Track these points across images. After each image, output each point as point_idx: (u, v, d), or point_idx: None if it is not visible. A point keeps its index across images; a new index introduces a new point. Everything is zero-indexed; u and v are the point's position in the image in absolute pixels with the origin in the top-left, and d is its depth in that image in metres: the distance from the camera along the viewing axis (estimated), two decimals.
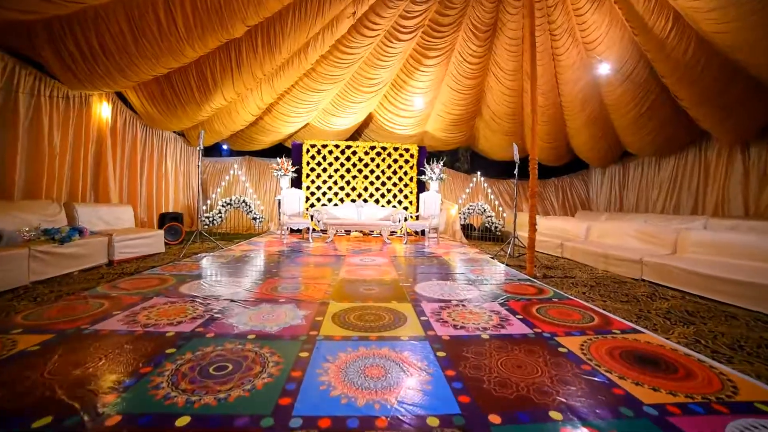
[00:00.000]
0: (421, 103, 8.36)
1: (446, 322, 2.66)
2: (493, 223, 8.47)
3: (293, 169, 8.52)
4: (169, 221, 6.68)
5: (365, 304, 3.06)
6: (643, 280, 4.42)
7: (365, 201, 8.71)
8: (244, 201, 8.42)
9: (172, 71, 5.66)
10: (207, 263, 4.76)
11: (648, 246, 5.09)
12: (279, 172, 8.38)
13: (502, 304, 3.15)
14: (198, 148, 5.94)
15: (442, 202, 8.26)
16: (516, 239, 6.05)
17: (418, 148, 9.01)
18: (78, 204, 4.82)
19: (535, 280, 4.25)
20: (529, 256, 4.64)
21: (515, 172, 6.00)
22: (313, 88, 7.65)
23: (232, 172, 9.14)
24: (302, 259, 5.22)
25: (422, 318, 2.73)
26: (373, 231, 8.14)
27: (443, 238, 8.22)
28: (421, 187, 9.04)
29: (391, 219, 7.52)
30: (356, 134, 9.98)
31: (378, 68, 7.45)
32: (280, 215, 7.81)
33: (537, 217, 8.97)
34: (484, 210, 8.62)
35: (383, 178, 8.87)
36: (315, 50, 6.50)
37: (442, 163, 8.78)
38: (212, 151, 10.25)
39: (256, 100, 7.25)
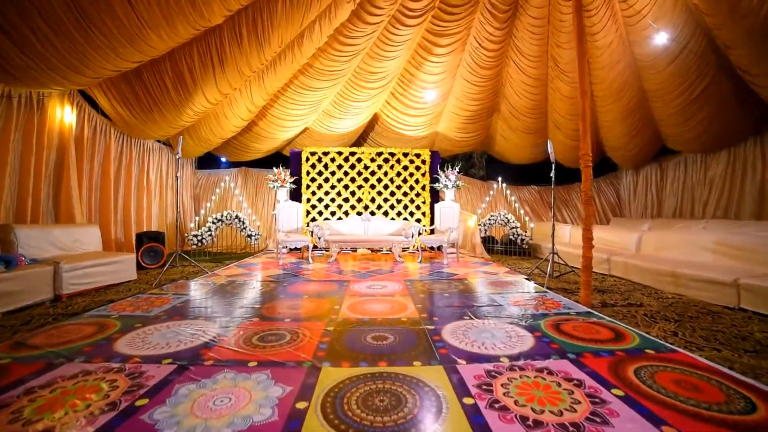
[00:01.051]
0: (433, 96, 7.43)
1: (506, 409, 1.65)
2: (518, 235, 7.42)
3: (291, 180, 7.62)
4: (147, 242, 5.78)
5: (375, 369, 2.07)
6: (742, 309, 3.35)
7: (372, 214, 7.75)
8: (237, 217, 7.52)
9: (143, 67, 4.82)
10: (178, 296, 3.81)
11: (735, 263, 4.00)
12: (275, 184, 7.48)
13: (577, 363, 2.12)
14: (177, 156, 5.07)
15: (460, 213, 7.27)
16: (555, 255, 5.00)
17: (430, 153, 8.06)
18: (19, 226, 3.93)
19: (600, 315, 3.20)
20: (584, 280, 3.60)
21: (552, 174, 5.02)
22: (310, 87, 6.79)
23: (223, 184, 8.27)
24: (297, 287, 4.25)
25: (465, 400, 1.72)
26: (382, 248, 7.15)
27: (462, 254, 7.20)
28: (435, 196, 8.06)
29: (402, 234, 6.53)
30: (361, 139, 9.09)
31: (383, 60, 6.57)
32: (277, 232, 6.87)
33: (566, 227, 7.94)
34: (508, 220, 7.59)
35: (392, 188, 7.92)
36: (311, 42, 5.64)
37: (457, 168, 7.80)
38: (209, 162, 9.43)
39: (245, 102, 6.40)
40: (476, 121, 8.38)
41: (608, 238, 6.02)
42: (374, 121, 8.67)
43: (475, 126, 8.58)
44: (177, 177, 5.17)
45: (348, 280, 4.72)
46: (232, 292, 3.97)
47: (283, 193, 7.64)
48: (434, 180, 7.97)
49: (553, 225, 5.07)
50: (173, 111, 5.60)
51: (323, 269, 5.57)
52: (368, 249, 7.56)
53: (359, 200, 7.89)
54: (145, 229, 6.75)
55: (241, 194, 9.18)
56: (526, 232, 7.39)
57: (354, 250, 7.59)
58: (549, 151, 4.94)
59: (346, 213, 7.82)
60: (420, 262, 6.32)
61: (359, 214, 7.69)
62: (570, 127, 7.78)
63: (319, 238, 6.35)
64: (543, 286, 4.38)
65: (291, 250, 7.51)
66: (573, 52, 5.90)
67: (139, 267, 5.55)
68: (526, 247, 7.41)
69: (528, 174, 10.97)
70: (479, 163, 10.60)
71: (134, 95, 5.16)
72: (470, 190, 10.06)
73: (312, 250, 7.40)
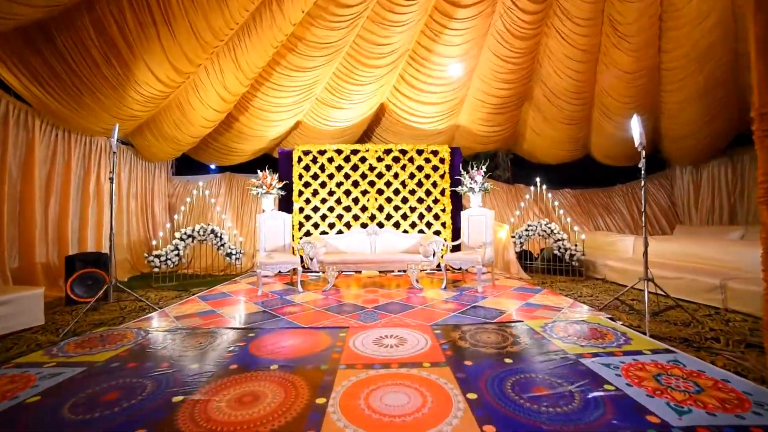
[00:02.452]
0: (458, 70, 5.94)
1: None
2: (565, 249, 5.83)
3: (280, 186, 6.16)
4: (81, 267, 4.33)
5: None
6: None
7: (380, 226, 6.23)
8: (212, 231, 6.06)
9: (53, 26, 3.42)
10: (52, 373, 2.31)
11: None
12: (260, 190, 6.02)
13: None
14: (111, 150, 3.65)
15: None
16: (651, 282, 3.41)
17: (450, 150, 6.56)
18: None
19: None
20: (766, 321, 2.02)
21: (641, 164, 3.49)
22: (299, 67, 5.37)
23: (196, 192, 6.81)
24: (266, 345, 2.72)
25: None
26: (393, 269, 5.60)
27: (496, 275, 5.61)
28: (457, 203, 6.53)
29: (420, 251, 5.00)
30: (364, 137, 7.63)
31: (390, 27, 5.14)
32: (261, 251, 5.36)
33: (627, 238, 6.33)
34: (551, 231, 6.02)
35: (404, 193, 6.41)
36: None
37: (484, 168, 6.28)
38: (194, 168, 8.02)
39: (215, 86, 4.98)
40: (505, 111, 6.88)
41: (707, 254, 4.42)
42: (380, 113, 7.22)
43: (503, 118, 7.07)
44: (111, 178, 3.74)
45: (347, 325, 3.18)
46: (166, 355, 2.46)
47: (270, 202, 6.16)
48: (456, 183, 6.46)
49: (645, 237, 3.51)
50: (112, 95, 4.19)
51: (315, 304, 4.05)
52: (381, 271, 6.02)
53: (364, 209, 6.39)
54: (93, 249, 5.30)
55: (225, 203, 7.75)
56: (576, 245, 5.79)
57: (358, 270, 6.05)
58: (635, 128, 3.40)
59: (348, 225, 6.31)
60: (444, 288, 4.77)
61: (364, 226, 6.17)
62: (623, 114, 6.23)
63: (312, 259, 4.84)
64: (645, 335, 2.80)
65: (281, 272, 6.01)
66: (642, 4, 4.42)
67: (69, 301, 4.12)
68: (576, 264, 5.80)
69: (560, 175, 9.41)
70: (504, 164, 9.06)
71: (50, 71, 3.76)
72: (496, 195, 8.52)
73: (305, 272, 5.90)
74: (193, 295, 4.66)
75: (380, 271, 5.95)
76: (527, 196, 7.12)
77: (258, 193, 6.04)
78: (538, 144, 7.93)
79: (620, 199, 8.99)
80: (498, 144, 7.92)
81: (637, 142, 3.34)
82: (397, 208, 6.39)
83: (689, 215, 7.98)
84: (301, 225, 6.36)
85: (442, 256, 4.94)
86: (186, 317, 3.54)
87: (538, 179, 6.89)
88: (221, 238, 6.07)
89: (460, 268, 5.46)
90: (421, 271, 5.37)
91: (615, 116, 6.38)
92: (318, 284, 5.20)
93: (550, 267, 6.18)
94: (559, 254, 5.93)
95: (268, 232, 5.17)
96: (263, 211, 6.09)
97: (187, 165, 7.97)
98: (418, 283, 4.86)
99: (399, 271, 5.85)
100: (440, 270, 5.58)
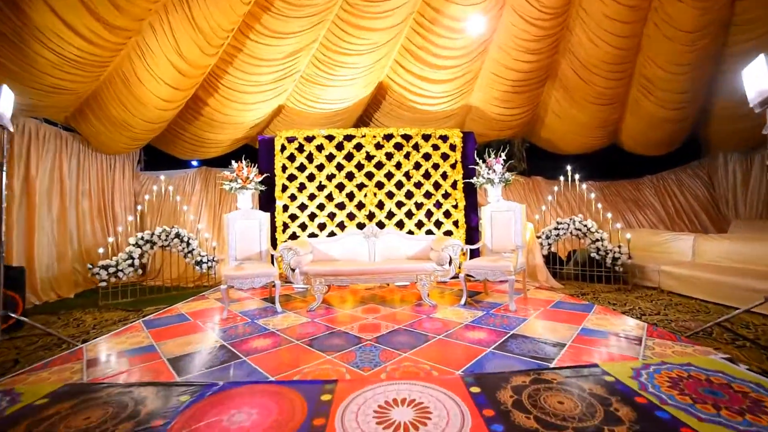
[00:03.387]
0: (482, 26, 4.85)
1: None
2: (607, 251, 4.77)
3: (259, 179, 5.09)
4: None
5: None
6: None
7: (380, 226, 5.18)
8: (177, 235, 4.99)
9: None
10: None
11: None
12: (234, 185, 4.94)
13: None
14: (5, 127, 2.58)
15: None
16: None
17: (462, 135, 5.51)
18: None
19: None
20: None
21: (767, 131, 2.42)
22: (277, 32, 4.33)
23: (156, 188, 5.73)
24: (203, 418, 1.66)
25: None
26: (396, 281, 4.50)
27: (522, 283, 4.54)
28: (471, 196, 5.48)
29: (433, 257, 3.94)
30: (360, 123, 6.57)
31: None
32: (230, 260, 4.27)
33: (686, 238, 5.24)
34: (587, 229, 4.97)
35: (409, 186, 5.35)
36: None
37: (503, 155, 5.23)
38: (172, 163, 6.89)
39: (167, 52, 3.93)
40: (526, 90, 5.84)
41: None
42: (379, 95, 6.17)
43: (523, 98, 6.03)
44: (2, 170, 2.65)
45: (335, 377, 2.12)
46: None
47: (248, 199, 5.09)
48: (470, 173, 5.41)
49: None
50: (11, 53, 3.10)
51: (295, 333, 2.99)
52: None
53: (360, 206, 5.33)
54: (20, 263, 4.22)
55: (200, 202, 6.67)
56: (620, 246, 4.73)
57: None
58: (762, 75, 2.34)
59: (342, 226, 5.25)
60: (464, 305, 3.72)
61: (361, 226, 5.12)
62: (670, 88, 5.20)
63: (294, 270, 3.77)
64: None
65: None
66: None
67: None
68: (619, 269, 4.75)
69: (581, 166, 8.34)
70: (519, 154, 8.01)
71: None
72: (511, 189, 7.46)
73: (288, 284, 4.85)
74: (141, 318, 3.59)
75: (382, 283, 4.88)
76: (555, 189, 6.05)
77: (232, 189, 4.97)
78: (560, 131, 6.89)
79: (650, 191, 7.96)
80: (515, 130, 6.88)
81: (761, 97, 2.27)
82: (400, 205, 5.33)
83: (735, 209, 6.95)
84: (285, 226, 5.29)
85: (459, 264, 3.88)
86: (105, 362, 2.47)
87: (569, 167, 5.83)
88: (188, 243, 5.00)
89: (485, 279, 4.39)
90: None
91: (658, 91, 5.34)
92: (304, 300, 4.14)
93: (585, 273, 5.13)
94: (598, 257, 4.88)
95: (239, 235, 4.10)
96: (238, 209, 5.03)
97: (164, 160, 6.86)
98: (430, 298, 3.80)
99: (405, 280, 4.79)
100: (454, 279, 4.53)
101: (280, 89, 5.34)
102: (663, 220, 7.55)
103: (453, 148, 5.46)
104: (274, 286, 3.77)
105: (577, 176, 5.57)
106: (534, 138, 7.59)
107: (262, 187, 5.18)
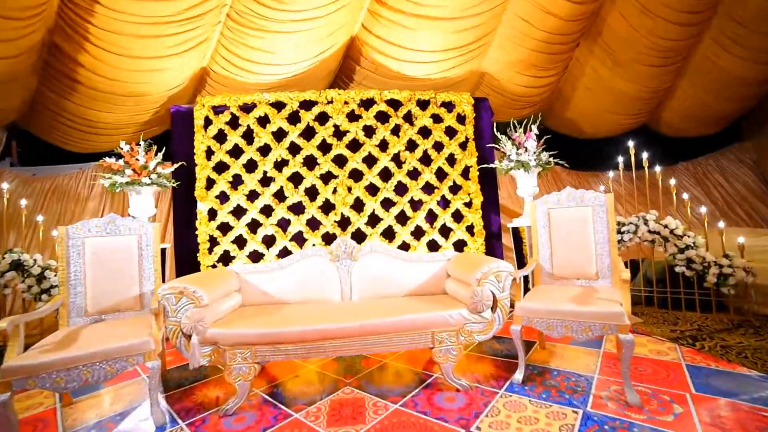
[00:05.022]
0: None
1: None
2: (706, 264, 3.12)
3: (169, 169, 3.20)
4: None
5: None
6: None
7: (359, 238, 3.40)
8: (19, 264, 3.01)
9: None
10: None
11: None
12: (120, 178, 3.01)
13: None
14: None
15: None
16: None
17: (473, 102, 3.79)
18: None
19: None
20: None
21: None
22: None
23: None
24: None
25: None
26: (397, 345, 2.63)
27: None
28: (489, 188, 3.77)
29: (465, 297, 2.15)
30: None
31: None
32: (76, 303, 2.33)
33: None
34: (670, 232, 3.32)
35: (399, 175, 3.56)
36: None
37: (536, 129, 3.57)
38: (72, 157, 4.76)
39: None
40: (556, 50, 4.24)
41: None
42: (351, 58, 4.39)
43: (553, 62, 4.43)
44: None
45: None
46: None
47: (147, 201, 3.18)
48: (487, 156, 3.75)
49: None
50: None
51: None
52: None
53: (328, 207, 3.49)
54: None
55: (101, 209, 4.68)
56: (728, 256, 3.08)
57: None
58: None
59: (300, 239, 3.41)
60: (522, 386, 1.97)
61: (330, 239, 3.30)
62: (753, 44, 3.68)
63: (189, 337, 1.88)
64: None
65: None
66: None
67: None
68: (730, 291, 3.08)
69: (601, 153, 6.83)
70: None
71: None
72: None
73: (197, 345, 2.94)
74: None
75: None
76: (610, 174, 4.44)
77: (117, 185, 3.03)
78: (591, 108, 5.36)
79: (690, 180, 6.53)
80: (536, 107, 5.25)
81: None
82: (387, 204, 3.54)
83: None
84: (213, 243, 3.39)
85: (511, 306, 2.10)
86: None
87: (620, 158, 4.19)
88: (27, 273, 3.01)
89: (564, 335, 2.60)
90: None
91: (753, 36, 3.81)
92: (219, 387, 2.24)
93: (660, 295, 3.49)
94: (689, 273, 3.23)
95: (96, 266, 2.17)
96: (132, 217, 3.10)
97: (52, 153, 4.76)
98: (458, 377, 2.02)
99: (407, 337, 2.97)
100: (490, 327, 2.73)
101: (196, 38, 3.48)
102: (712, 213, 6.09)
103: (461, 119, 3.74)
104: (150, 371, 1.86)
105: (645, 155, 3.92)
106: (552, 120, 6.01)
107: (172, 183, 3.28)
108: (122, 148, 3.06)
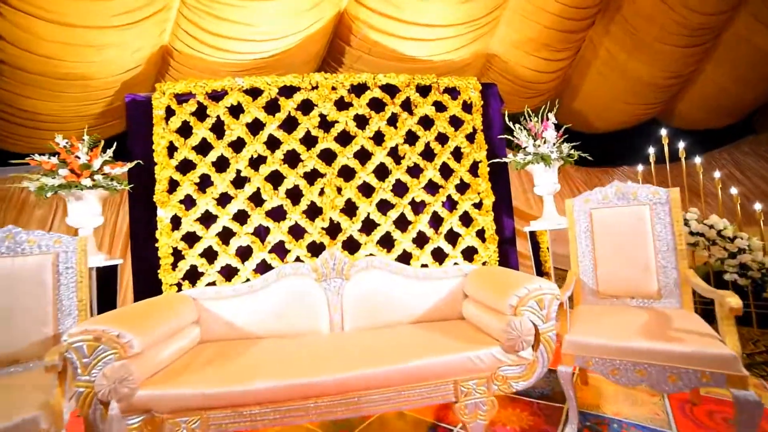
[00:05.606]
0: None
1: None
2: (767, 270, 2.65)
3: (120, 168, 2.62)
4: None
5: None
6: None
7: (352, 248, 2.85)
8: None
9: None
10: None
11: None
12: (52, 180, 2.43)
13: None
14: None
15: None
16: None
17: (481, 87, 3.28)
18: None
19: None
20: None
21: None
22: None
23: None
24: None
25: None
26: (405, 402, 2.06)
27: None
28: (500, 185, 3.26)
29: (499, 333, 1.61)
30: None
31: None
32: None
33: None
34: (717, 233, 2.84)
35: (398, 172, 3.02)
36: None
37: (554, 116, 3.10)
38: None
39: None
40: (570, 27, 3.76)
41: None
42: (341, 38, 3.85)
43: (565, 42, 3.96)
44: None
45: None
46: None
47: (92, 209, 2.59)
48: (497, 150, 3.25)
49: None
50: None
51: None
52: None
53: (313, 212, 2.93)
54: None
55: (51, 218, 4.08)
56: None
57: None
58: None
59: (281, 250, 2.85)
60: None
61: (316, 250, 2.76)
62: None
63: (107, 405, 1.31)
64: None
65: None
66: None
67: None
68: None
69: (606, 148, 6.41)
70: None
71: None
72: (528, 178, 5.34)
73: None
74: None
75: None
76: (639, 168, 3.97)
77: (46, 189, 2.44)
78: (603, 97, 4.91)
79: (706, 176, 6.10)
80: (545, 97, 4.78)
81: None
82: (385, 206, 2.99)
83: None
84: (177, 258, 2.81)
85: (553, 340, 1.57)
86: None
87: (651, 150, 3.75)
88: None
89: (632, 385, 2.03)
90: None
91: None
92: None
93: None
94: (744, 282, 2.74)
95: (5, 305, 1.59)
96: (76, 229, 2.54)
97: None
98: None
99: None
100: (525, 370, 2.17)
101: (150, 4, 2.89)
102: (732, 211, 5.69)
103: (468, 108, 3.22)
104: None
105: (681, 144, 3.46)
106: (558, 113, 5.56)
107: (122, 186, 2.70)
108: (57, 143, 2.49)
